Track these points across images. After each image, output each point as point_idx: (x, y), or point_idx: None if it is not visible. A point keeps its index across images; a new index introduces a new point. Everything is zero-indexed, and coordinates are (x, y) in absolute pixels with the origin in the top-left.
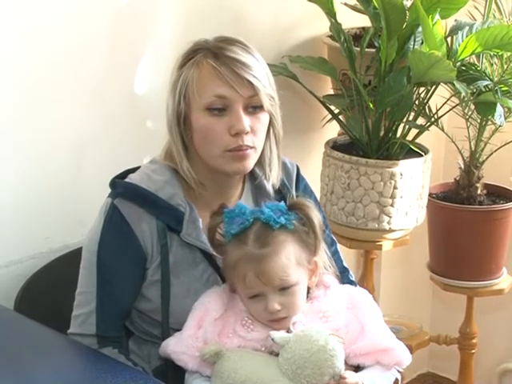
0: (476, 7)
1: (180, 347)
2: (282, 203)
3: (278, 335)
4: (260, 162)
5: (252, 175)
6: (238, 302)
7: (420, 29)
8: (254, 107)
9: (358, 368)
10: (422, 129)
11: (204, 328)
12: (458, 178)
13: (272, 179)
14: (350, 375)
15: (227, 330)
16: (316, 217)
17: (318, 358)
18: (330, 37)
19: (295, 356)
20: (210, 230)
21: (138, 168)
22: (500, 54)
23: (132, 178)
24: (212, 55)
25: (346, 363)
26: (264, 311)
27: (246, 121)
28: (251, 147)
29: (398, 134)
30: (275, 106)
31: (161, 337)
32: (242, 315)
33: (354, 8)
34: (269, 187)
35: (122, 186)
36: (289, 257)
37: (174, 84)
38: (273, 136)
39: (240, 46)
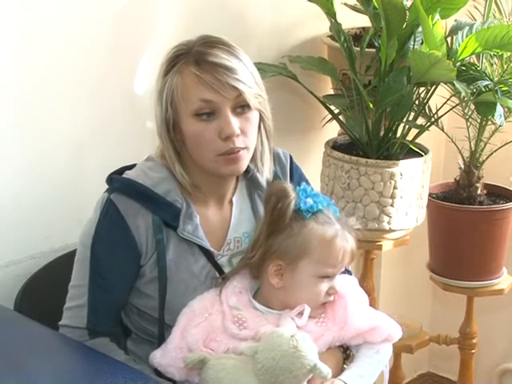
0: (476, 7)
1: (165, 360)
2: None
3: (245, 346)
4: (252, 157)
5: (245, 169)
6: (224, 302)
7: (420, 29)
8: (242, 107)
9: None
10: (422, 129)
11: (186, 338)
12: (458, 178)
13: (265, 173)
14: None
15: (214, 335)
16: None
17: (285, 363)
18: (330, 37)
19: (265, 366)
20: (282, 204)
21: (135, 165)
22: (500, 54)
23: (129, 174)
24: (193, 62)
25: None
26: (324, 292)
27: (236, 123)
28: (243, 148)
29: (398, 134)
30: (264, 101)
31: (158, 335)
32: (233, 313)
33: (353, 8)
34: (262, 180)
35: (118, 182)
36: None
37: (159, 92)
38: (263, 130)
39: (222, 47)
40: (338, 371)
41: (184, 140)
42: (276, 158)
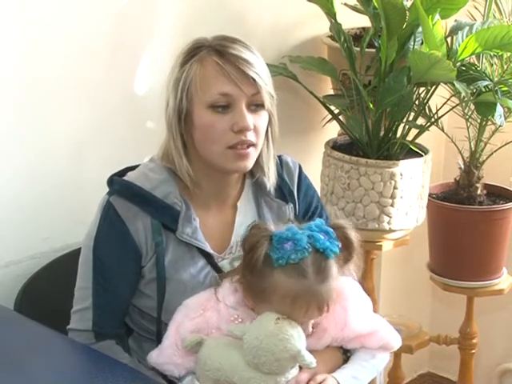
0: (476, 7)
1: (162, 358)
2: (324, 224)
3: (235, 327)
4: (257, 161)
5: (251, 173)
6: (221, 300)
7: (420, 29)
8: (256, 105)
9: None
10: (422, 129)
11: (180, 333)
12: (458, 178)
13: (271, 178)
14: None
15: (208, 331)
16: (356, 238)
17: (268, 344)
18: (330, 37)
19: (250, 346)
20: (253, 252)
21: (138, 166)
22: (500, 54)
23: (129, 176)
24: (216, 53)
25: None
26: None
27: (250, 118)
28: (253, 144)
29: (398, 134)
30: (273, 104)
31: (156, 334)
32: (229, 312)
33: (354, 8)
34: (269, 186)
35: (118, 184)
36: (337, 283)
37: (175, 81)
38: (270, 135)
39: (241, 44)
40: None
41: (193, 132)
42: (284, 165)
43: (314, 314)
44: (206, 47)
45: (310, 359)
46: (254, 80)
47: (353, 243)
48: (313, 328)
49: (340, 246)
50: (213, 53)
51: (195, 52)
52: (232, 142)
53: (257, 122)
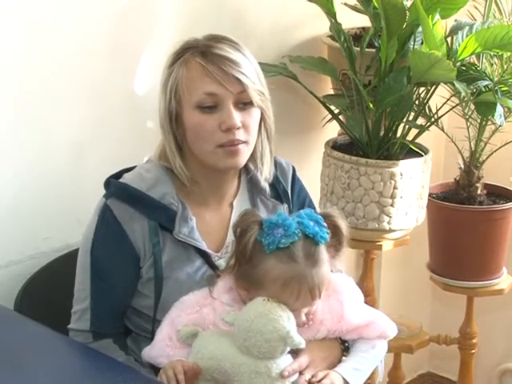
0: (476, 7)
1: (155, 351)
2: (313, 213)
3: (226, 314)
4: (252, 157)
5: (246, 171)
6: (217, 299)
7: (420, 29)
8: (245, 103)
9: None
10: (422, 129)
11: (176, 326)
12: (458, 178)
13: (264, 174)
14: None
15: (204, 327)
16: (344, 226)
17: (257, 324)
18: (330, 37)
19: (240, 329)
20: (243, 238)
21: (134, 167)
22: (500, 54)
23: (125, 178)
24: (200, 53)
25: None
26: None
27: (237, 116)
28: (243, 142)
29: (398, 134)
30: (266, 101)
31: (152, 333)
32: (225, 309)
33: (354, 8)
34: (263, 183)
35: (114, 186)
36: (328, 271)
37: (164, 83)
38: (264, 131)
39: (228, 43)
40: (337, 362)
41: (185, 132)
42: (278, 166)
43: (307, 299)
44: (193, 48)
45: (299, 340)
46: (238, 79)
47: (342, 231)
48: (309, 320)
49: (329, 233)
50: (197, 54)
51: (182, 54)
52: (222, 140)
53: (246, 119)
